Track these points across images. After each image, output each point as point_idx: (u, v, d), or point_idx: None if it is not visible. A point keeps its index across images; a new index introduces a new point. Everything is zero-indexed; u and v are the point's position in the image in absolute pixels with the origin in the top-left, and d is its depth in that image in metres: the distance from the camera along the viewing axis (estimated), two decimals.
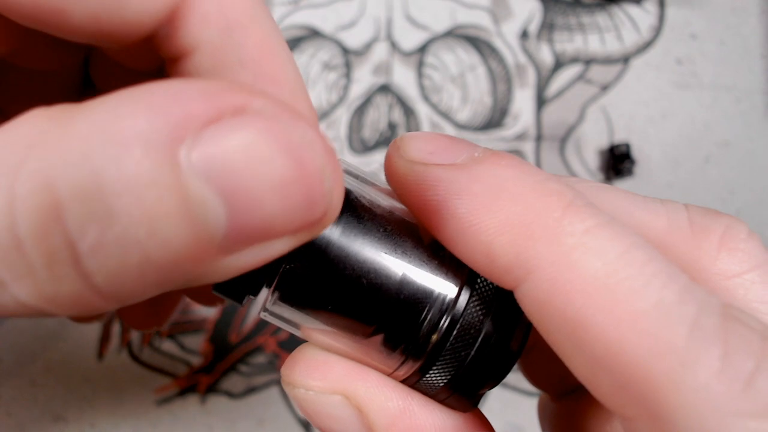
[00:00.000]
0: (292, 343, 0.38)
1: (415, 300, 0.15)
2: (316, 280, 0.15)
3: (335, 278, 0.15)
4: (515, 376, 0.36)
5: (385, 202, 0.16)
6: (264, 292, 0.15)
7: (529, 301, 0.13)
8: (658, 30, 0.41)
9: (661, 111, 0.41)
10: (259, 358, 0.37)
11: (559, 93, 0.40)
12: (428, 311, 0.15)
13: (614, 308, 0.12)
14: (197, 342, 0.37)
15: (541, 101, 0.40)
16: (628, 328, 0.12)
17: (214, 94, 0.10)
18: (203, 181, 0.10)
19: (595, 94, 0.41)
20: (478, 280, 0.15)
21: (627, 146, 0.39)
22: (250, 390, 0.37)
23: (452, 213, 0.14)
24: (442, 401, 0.16)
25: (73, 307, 0.11)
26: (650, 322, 0.12)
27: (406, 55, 0.40)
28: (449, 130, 0.40)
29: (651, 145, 0.40)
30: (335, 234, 0.15)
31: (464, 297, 0.15)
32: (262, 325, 0.38)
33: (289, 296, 0.15)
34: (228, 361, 0.37)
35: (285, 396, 0.37)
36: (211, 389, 0.37)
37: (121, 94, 0.11)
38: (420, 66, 0.40)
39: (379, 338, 0.15)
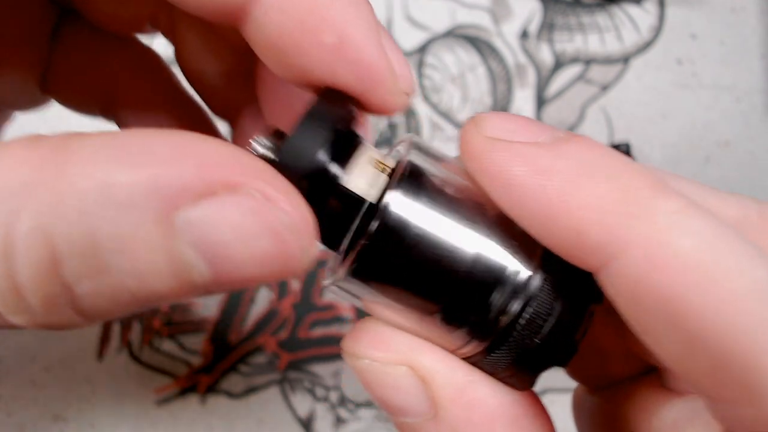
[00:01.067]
0: (292, 343, 0.38)
1: (486, 281, 0.15)
2: (391, 257, 0.15)
3: (410, 256, 0.15)
4: None
5: (458, 180, 0.16)
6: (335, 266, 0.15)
7: (620, 279, 0.13)
8: (658, 30, 0.41)
9: (661, 111, 0.41)
10: (259, 358, 0.37)
11: (559, 93, 0.40)
12: (499, 293, 0.15)
13: (713, 286, 0.12)
14: (197, 342, 0.37)
15: (541, 101, 0.40)
16: (727, 305, 0.12)
17: (213, 166, 0.12)
18: (192, 247, 0.11)
19: (595, 94, 0.41)
20: (550, 264, 0.15)
21: (627, 146, 0.39)
22: (250, 390, 0.37)
23: (539, 190, 0.14)
24: (501, 379, 0.16)
25: (61, 327, 0.12)
26: (750, 300, 0.12)
27: (407, 55, 0.40)
28: (449, 130, 0.40)
29: (651, 145, 0.40)
30: (411, 212, 0.15)
31: (536, 281, 0.15)
32: (262, 325, 0.38)
33: (361, 271, 0.15)
34: (228, 361, 0.37)
35: (285, 396, 0.37)
36: (211, 389, 0.37)
37: (121, 139, 0.12)
38: (420, 66, 0.40)
39: (446, 316, 0.15)
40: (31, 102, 0.24)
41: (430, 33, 0.41)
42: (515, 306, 0.15)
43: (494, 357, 0.15)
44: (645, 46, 0.41)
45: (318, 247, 0.14)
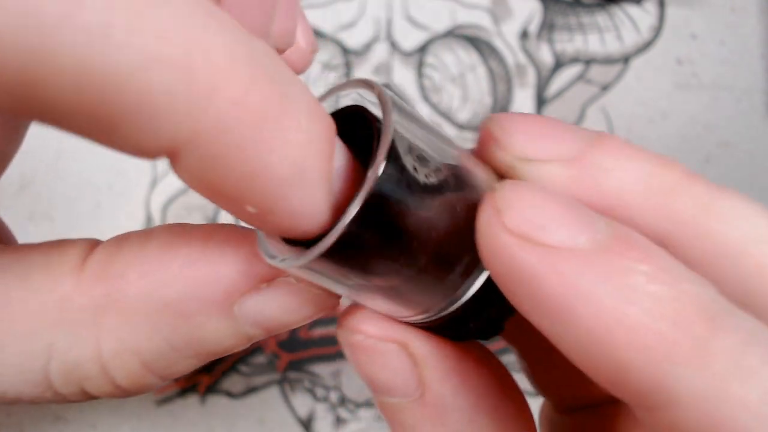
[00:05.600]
0: (292, 344, 0.38)
1: (451, 264, 0.15)
2: (374, 237, 0.13)
3: (393, 235, 0.13)
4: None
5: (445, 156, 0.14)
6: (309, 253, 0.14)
7: (667, 429, 0.12)
8: (658, 30, 0.41)
9: (661, 111, 0.41)
10: (259, 358, 0.37)
11: (559, 93, 0.40)
12: (459, 276, 0.15)
13: None
14: None
15: (541, 101, 0.40)
16: None
17: (252, 266, 0.14)
18: (253, 326, 0.15)
19: (595, 94, 0.41)
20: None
21: None
22: (250, 390, 0.37)
23: (578, 316, 0.12)
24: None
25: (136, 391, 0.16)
26: None
27: (406, 55, 0.40)
28: (449, 129, 0.40)
29: (651, 145, 0.40)
30: (400, 188, 0.13)
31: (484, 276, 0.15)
32: None
33: (340, 251, 0.13)
34: (228, 361, 0.37)
35: (285, 396, 0.37)
36: (211, 389, 0.37)
37: (167, 242, 0.14)
38: (420, 66, 0.40)
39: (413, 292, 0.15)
40: None
41: (430, 33, 0.41)
42: (471, 290, 0.15)
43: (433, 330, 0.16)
44: (645, 46, 0.41)
45: None
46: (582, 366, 0.12)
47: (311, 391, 0.38)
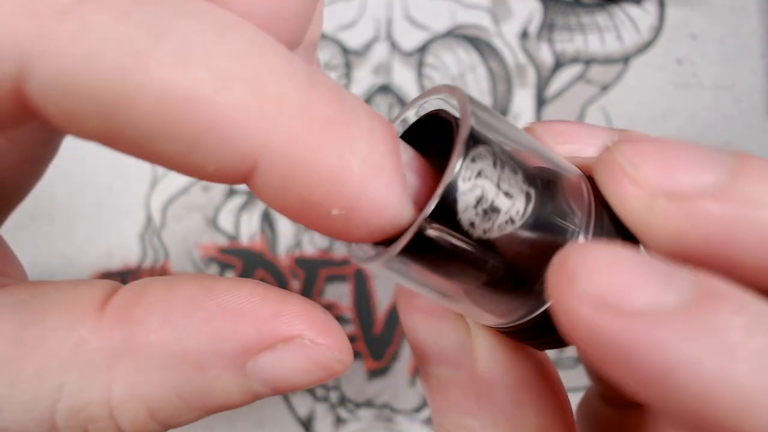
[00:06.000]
0: None
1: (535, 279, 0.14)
2: (448, 237, 0.13)
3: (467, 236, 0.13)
4: None
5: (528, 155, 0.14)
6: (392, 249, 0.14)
7: None
8: (658, 30, 0.41)
9: (661, 111, 0.41)
10: None
11: (559, 93, 0.40)
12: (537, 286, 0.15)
13: None
14: None
15: (541, 101, 0.40)
16: None
17: (270, 325, 0.14)
18: (262, 384, 0.15)
19: (595, 94, 0.41)
20: None
21: None
22: None
23: (680, 384, 0.11)
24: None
25: None
26: None
27: (406, 55, 0.40)
28: None
29: None
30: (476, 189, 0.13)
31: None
32: None
33: (415, 250, 0.13)
34: None
35: (285, 396, 0.37)
36: None
37: (185, 296, 0.14)
38: (420, 66, 0.40)
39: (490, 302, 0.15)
40: None
41: (430, 33, 0.41)
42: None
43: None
44: (645, 46, 0.41)
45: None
46: (685, 425, 0.11)
47: (311, 391, 0.38)
